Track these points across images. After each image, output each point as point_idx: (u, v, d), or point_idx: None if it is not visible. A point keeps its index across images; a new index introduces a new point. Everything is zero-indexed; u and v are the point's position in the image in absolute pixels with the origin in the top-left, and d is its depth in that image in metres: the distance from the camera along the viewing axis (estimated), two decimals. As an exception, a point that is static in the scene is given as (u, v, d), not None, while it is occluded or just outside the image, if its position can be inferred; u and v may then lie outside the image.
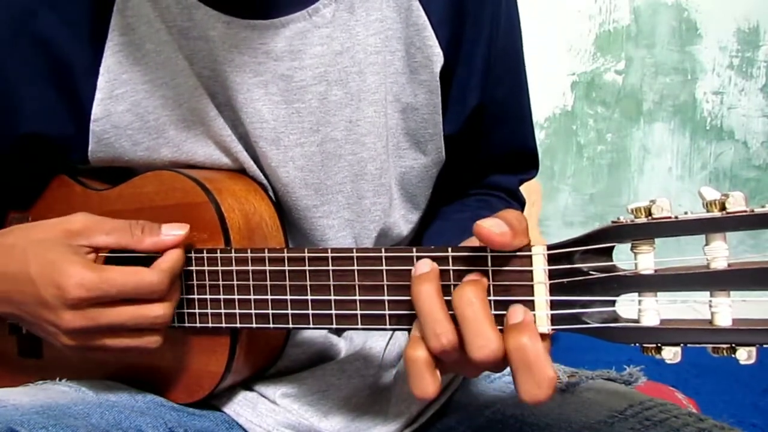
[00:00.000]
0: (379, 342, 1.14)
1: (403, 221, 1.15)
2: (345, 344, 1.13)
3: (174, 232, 0.94)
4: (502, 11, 1.10)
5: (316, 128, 1.03)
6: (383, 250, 0.83)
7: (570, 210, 3.45)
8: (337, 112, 1.04)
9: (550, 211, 3.41)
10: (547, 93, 3.31)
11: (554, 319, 0.75)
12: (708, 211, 0.66)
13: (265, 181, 1.05)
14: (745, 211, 0.65)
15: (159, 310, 0.92)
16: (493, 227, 0.74)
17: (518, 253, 0.76)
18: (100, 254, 0.94)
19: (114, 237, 0.93)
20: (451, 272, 0.79)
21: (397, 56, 1.05)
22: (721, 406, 2.51)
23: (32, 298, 0.91)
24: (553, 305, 0.74)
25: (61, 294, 0.88)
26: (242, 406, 1.06)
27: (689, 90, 3.43)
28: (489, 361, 0.73)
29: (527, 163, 1.25)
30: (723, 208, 0.66)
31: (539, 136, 3.35)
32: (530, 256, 0.75)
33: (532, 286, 0.75)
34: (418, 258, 0.81)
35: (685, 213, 0.68)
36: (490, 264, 0.77)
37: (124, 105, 1.00)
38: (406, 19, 1.04)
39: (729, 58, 3.44)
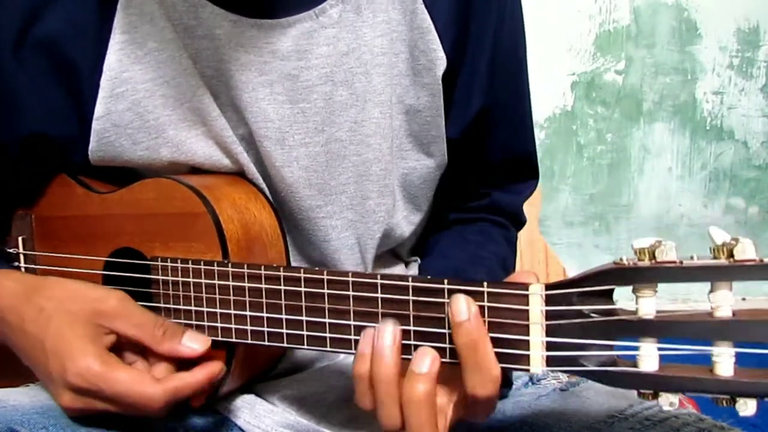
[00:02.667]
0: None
1: (406, 222, 1.16)
2: (345, 346, 1.14)
3: (193, 345, 0.94)
4: (506, 15, 1.10)
5: (321, 128, 1.03)
6: (379, 277, 0.83)
7: (570, 210, 3.45)
8: (343, 113, 1.04)
9: (550, 211, 3.41)
10: (547, 93, 3.30)
11: (549, 361, 0.74)
12: (715, 257, 0.65)
13: (263, 185, 1.05)
14: (754, 261, 0.64)
15: (152, 411, 0.91)
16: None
17: (515, 291, 0.76)
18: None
19: (135, 330, 0.93)
20: (446, 305, 0.79)
21: (401, 58, 1.06)
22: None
23: (42, 367, 0.93)
24: (549, 347, 0.74)
25: (63, 376, 0.90)
26: (241, 408, 1.06)
27: (689, 90, 3.42)
28: None
29: (526, 171, 1.25)
30: (731, 254, 0.64)
31: (539, 136, 3.35)
32: (527, 296, 0.75)
33: (527, 325, 0.75)
34: (414, 288, 0.80)
35: (691, 258, 0.66)
36: (486, 300, 0.77)
37: (124, 104, 1.00)
38: (411, 21, 1.04)
39: (729, 58, 3.43)
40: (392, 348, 0.79)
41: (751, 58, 3.44)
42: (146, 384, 0.89)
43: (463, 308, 0.77)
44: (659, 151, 3.45)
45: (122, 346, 0.94)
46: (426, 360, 0.78)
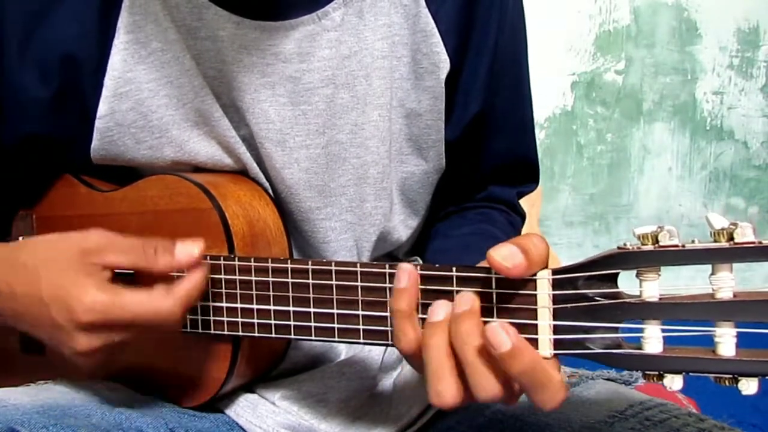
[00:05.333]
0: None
1: (403, 226, 1.16)
2: (345, 346, 1.14)
3: (188, 250, 0.92)
4: (507, 22, 1.10)
5: (321, 131, 1.04)
6: (387, 266, 0.83)
7: (570, 210, 3.45)
8: (343, 116, 1.04)
9: (550, 211, 3.41)
10: (547, 93, 3.30)
11: (557, 344, 0.75)
12: (715, 241, 0.66)
13: (266, 184, 1.06)
14: (753, 243, 0.65)
15: (171, 324, 0.91)
16: (506, 258, 0.73)
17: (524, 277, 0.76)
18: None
19: (127, 257, 0.91)
20: (455, 293, 0.79)
21: (403, 62, 1.06)
22: (721, 406, 2.50)
23: (45, 320, 0.90)
24: (557, 330, 0.75)
25: (73, 318, 0.87)
26: (242, 408, 1.07)
27: (689, 90, 3.43)
28: (495, 400, 0.75)
29: (527, 174, 1.25)
30: (731, 238, 0.66)
31: (539, 136, 3.34)
32: (535, 280, 0.76)
33: (536, 310, 0.75)
34: (422, 276, 0.81)
35: (692, 241, 0.68)
36: (494, 286, 0.77)
37: (128, 103, 1.00)
38: (414, 25, 1.05)
39: (729, 58, 3.43)
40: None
41: (751, 58, 3.44)
42: (159, 299, 0.88)
43: (503, 337, 0.72)
44: (659, 151, 3.46)
45: (116, 281, 0.92)
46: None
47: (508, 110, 1.16)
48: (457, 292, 0.79)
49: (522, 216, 1.28)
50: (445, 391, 0.75)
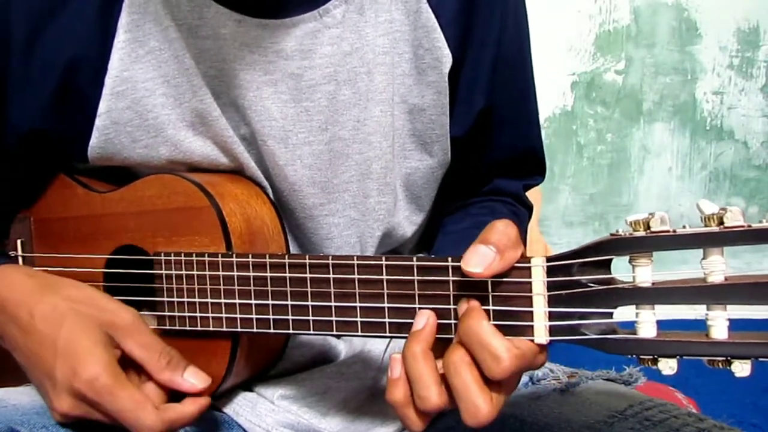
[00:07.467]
0: (378, 345, 1.14)
1: (407, 222, 1.16)
2: (344, 347, 1.14)
3: (194, 380, 0.95)
4: (509, 14, 1.11)
5: (324, 127, 1.04)
6: (384, 259, 0.84)
7: (570, 210, 3.45)
8: (345, 112, 1.05)
9: (550, 211, 3.41)
10: (547, 93, 3.30)
11: (552, 330, 0.76)
12: (706, 226, 0.67)
13: (265, 183, 1.06)
14: (743, 226, 0.66)
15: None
16: (473, 267, 0.76)
17: (517, 265, 0.77)
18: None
19: (141, 352, 0.94)
20: (451, 283, 0.80)
21: (404, 58, 1.07)
22: (721, 406, 2.50)
23: (45, 366, 0.93)
24: (552, 316, 0.75)
25: (71, 379, 0.90)
26: (242, 406, 1.07)
27: (689, 90, 3.43)
28: (480, 425, 0.76)
29: (533, 168, 1.25)
30: (721, 222, 0.66)
31: (539, 136, 3.34)
32: (529, 268, 0.76)
33: (530, 297, 0.76)
34: (419, 267, 0.81)
35: (683, 227, 0.68)
36: None
37: (125, 102, 1.01)
38: (415, 21, 1.05)
39: (729, 58, 3.43)
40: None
41: (751, 58, 3.44)
42: (148, 411, 0.90)
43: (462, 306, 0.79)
44: (659, 151, 3.46)
45: (123, 364, 0.94)
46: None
47: (513, 103, 1.17)
48: (453, 281, 0.79)
49: (529, 208, 1.29)
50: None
